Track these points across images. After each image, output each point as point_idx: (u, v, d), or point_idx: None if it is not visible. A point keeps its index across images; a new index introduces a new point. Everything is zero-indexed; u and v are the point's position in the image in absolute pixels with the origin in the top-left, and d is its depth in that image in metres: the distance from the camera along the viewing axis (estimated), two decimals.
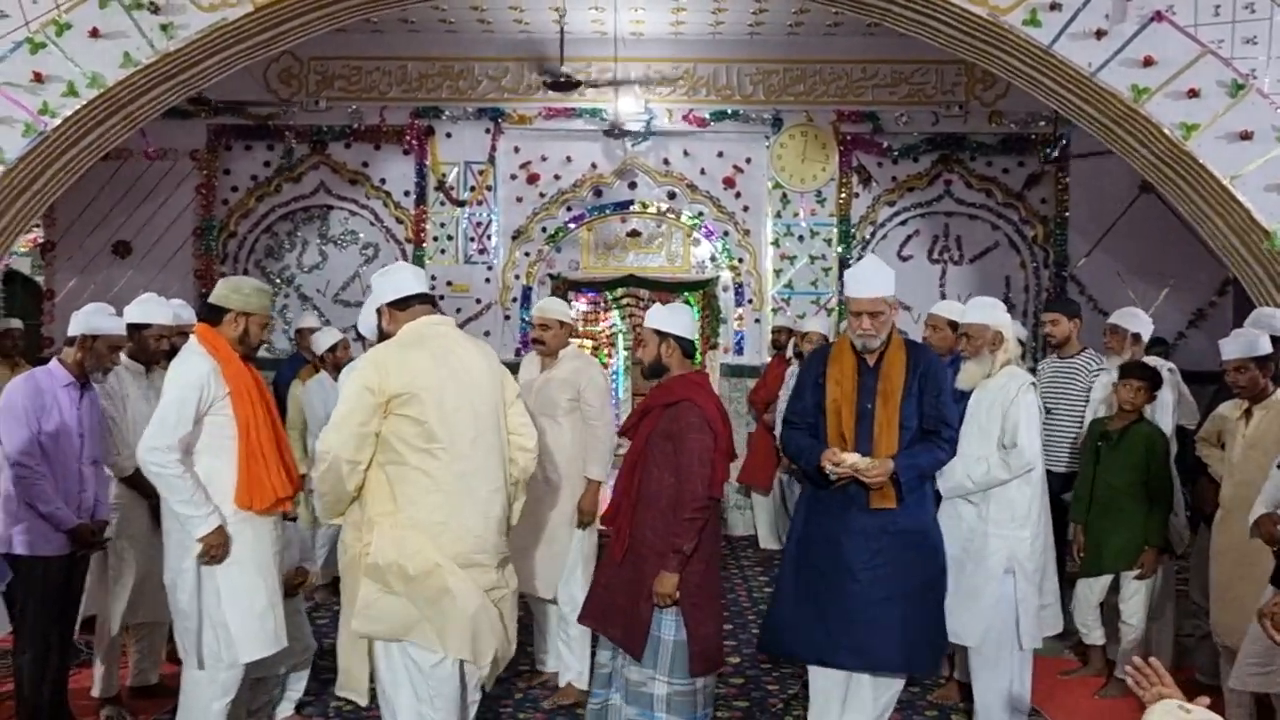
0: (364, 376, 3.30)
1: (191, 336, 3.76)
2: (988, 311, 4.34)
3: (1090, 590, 4.97)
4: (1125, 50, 5.38)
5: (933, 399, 3.81)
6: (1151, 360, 5.28)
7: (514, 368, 8.88)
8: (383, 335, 3.61)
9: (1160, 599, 4.94)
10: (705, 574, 3.70)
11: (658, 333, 3.82)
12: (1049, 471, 5.53)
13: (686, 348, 3.86)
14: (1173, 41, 5.36)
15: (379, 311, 3.56)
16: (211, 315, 3.74)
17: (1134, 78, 5.38)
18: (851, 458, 3.70)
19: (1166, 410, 5.14)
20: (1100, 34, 5.36)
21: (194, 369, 3.60)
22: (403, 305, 3.46)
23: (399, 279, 3.51)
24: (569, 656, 4.70)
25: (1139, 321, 5.43)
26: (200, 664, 3.59)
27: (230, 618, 3.58)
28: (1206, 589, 4.66)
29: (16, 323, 6.76)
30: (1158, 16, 5.35)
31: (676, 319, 3.87)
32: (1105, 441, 4.89)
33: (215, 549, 3.54)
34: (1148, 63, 5.35)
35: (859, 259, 7.57)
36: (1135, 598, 4.82)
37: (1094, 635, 5.03)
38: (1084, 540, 4.96)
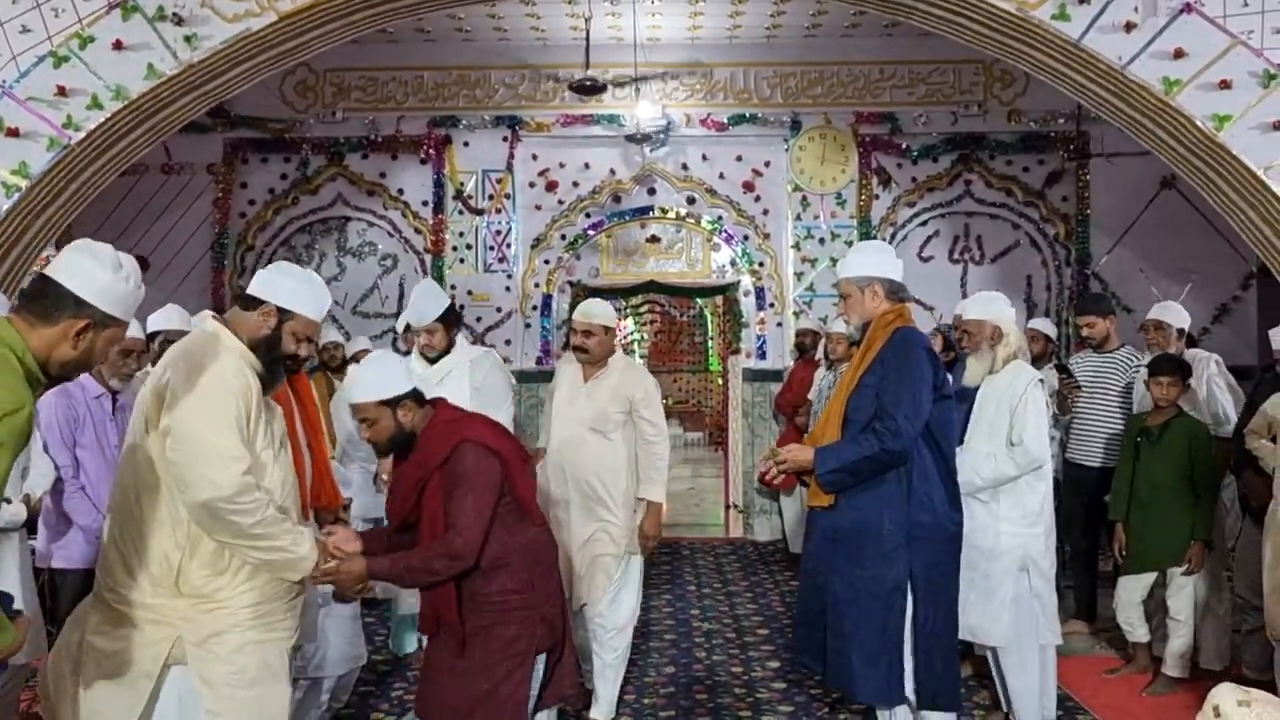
0: None
1: None
2: (985, 306, 4.31)
3: (1133, 588, 4.91)
4: (1155, 43, 5.33)
5: (884, 384, 3.50)
6: (1197, 353, 5.25)
7: (534, 376, 8.80)
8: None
9: (1209, 595, 4.88)
10: None
11: (386, 403, 3.14)
12: (1085, 466, 5.53)
13: (420, 398, 3.25)
14: (1203, 33, 5.30)
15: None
16: None
17: (1165, 70, 5.32)
18: (782, 451, 3.64)
19: (1227, 396, 5.12)
20: (1130, 26, 5.31)
21: None
22: None
23: None
24: (600, 687, 4.39)
25: (1181, 315, 5.40)
26: None
27: None
28: (1254, 583, 4.60)
29: None
30: (1187, 8, 5.30)
31: (393, 377, 3.20)
32: (1146, 437, 4.83)
33: None
34: (1178, 55, 5.30)
35: None
36: (1183, 593, 4.76)
37: (1138, 633, 4.97)
38: (1125, 538, 4.90)
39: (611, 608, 4.37)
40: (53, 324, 2.27)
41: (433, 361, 4.59)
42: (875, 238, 8.67)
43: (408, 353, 5.20)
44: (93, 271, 2.33)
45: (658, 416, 4.43)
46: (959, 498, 3.66)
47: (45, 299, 2.29)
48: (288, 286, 2.88)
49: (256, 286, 2.88)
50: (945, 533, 3.58)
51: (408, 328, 4.88)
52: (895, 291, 3.66)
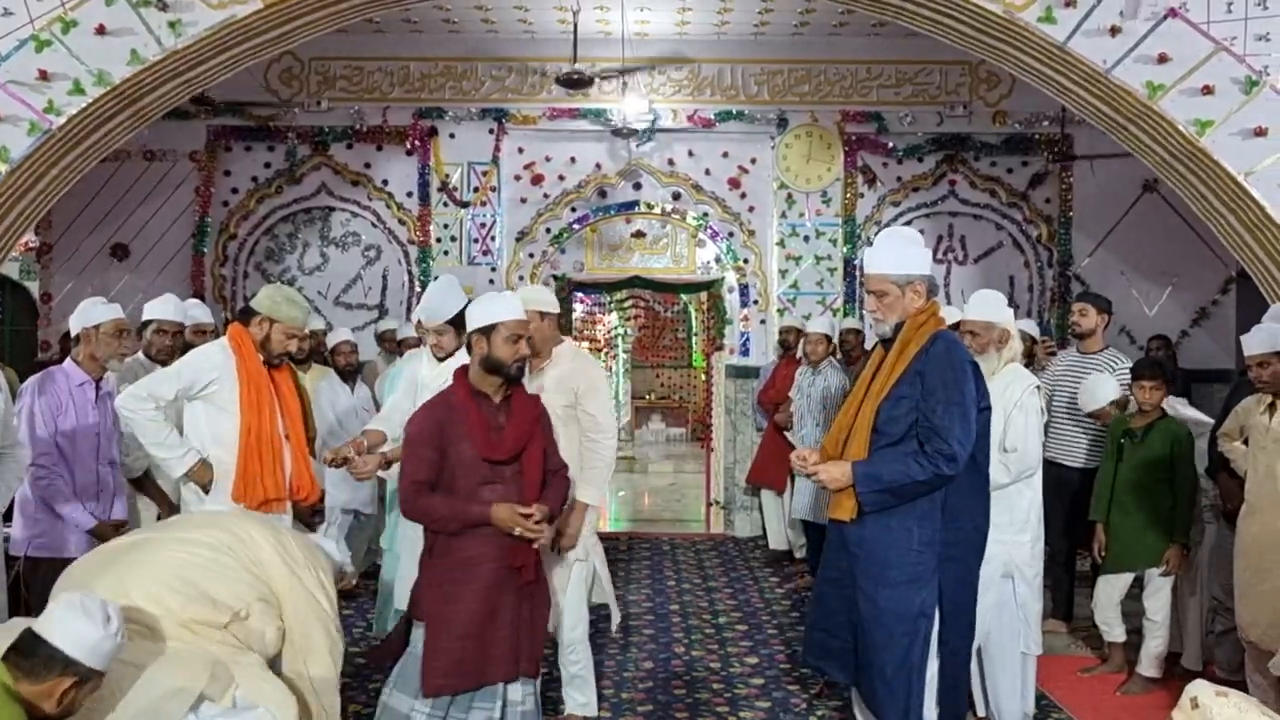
0: None
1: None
2: (993, 308, 4.21)
3: (1112, 588, 4.95)
4: (1139, 47, 5.38)
5: (930, 403, 3.28)
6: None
7: None
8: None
9: (1186, 596, 4.92)
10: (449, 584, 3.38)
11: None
12: (1065, 466, 5.57)
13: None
14: (1186, 38, 5.36)
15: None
16: (243, 315, 3.95)
17: (1148, 74, 5.37)
18: (812, 457, 3.44)
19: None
20: (1115, 31, 5.35)
21: (206, 354, 3.87)
22: None
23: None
24: (575, 694, 4.29)
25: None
26: None
27: None
28: (1226, 585, 4.65)
29: None
30: (1171, 13, 5.36)
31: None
32: (1129, 439, 4.87)
33: (202, 481, 3.82)
34: (1162, 59, 5.35)
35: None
36: (1160, 594, 4.80)
37: (1115, 632, 5.01)
38: (1105, 538, 4.94)
39: (563, 621, 4.13)
40: (38, 683, 2.31)
41: (442, 360, 4.43)
42: (861, 236, 8.69)
43: (418, 344, 5.10)
44: (83, 631, 2.37)
45: (602, 411, 4.12)
46: (990, 511, 3.53)
47: (34, 658, 2.32)
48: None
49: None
50: (975, 548, 3.45)
51: (419, 323, 4.75)
52: (932, 289, 3.45)
